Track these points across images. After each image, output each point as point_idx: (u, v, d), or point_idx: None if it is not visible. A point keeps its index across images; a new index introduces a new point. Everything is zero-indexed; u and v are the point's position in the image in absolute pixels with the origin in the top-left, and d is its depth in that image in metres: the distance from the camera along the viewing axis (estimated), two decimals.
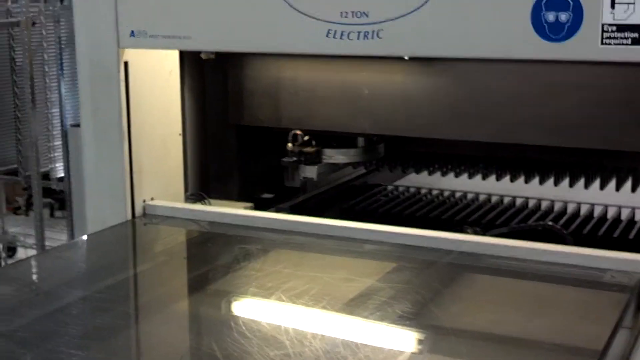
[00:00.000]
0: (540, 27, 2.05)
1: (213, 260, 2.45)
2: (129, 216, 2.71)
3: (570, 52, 2.02)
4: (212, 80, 3.14)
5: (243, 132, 3.20)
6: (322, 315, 1.99)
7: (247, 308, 2.10)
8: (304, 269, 2.35)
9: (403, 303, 2.01)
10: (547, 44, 2.05)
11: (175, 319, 2.07)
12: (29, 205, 7.31)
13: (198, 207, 2.87)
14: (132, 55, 2.64)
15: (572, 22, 2.01)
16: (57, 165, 6.10)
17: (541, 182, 3.11)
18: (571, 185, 3.08)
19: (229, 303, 2.09)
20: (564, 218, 3.07)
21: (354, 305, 2.03)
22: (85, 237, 2.68)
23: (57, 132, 6.02)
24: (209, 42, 2.52)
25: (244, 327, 1.87)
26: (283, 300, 2.05)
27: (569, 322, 1.99)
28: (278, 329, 1.87)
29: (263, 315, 2.01)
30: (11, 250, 6.98)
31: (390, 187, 3.59)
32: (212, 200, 2.97)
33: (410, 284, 2.16)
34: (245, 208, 2.94)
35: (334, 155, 3.10)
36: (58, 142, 6.03)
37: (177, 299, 2.22)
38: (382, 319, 1.94)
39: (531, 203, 3.29)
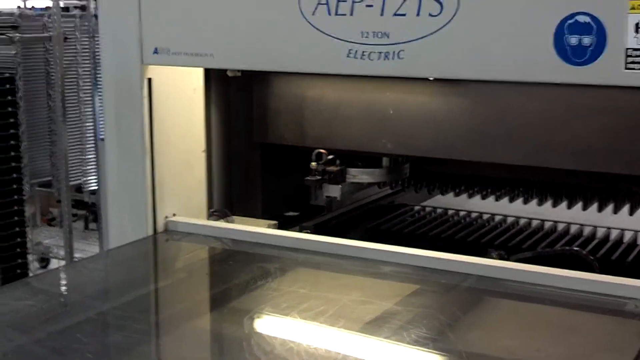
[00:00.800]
0: (563, 51, 2.01)
1: (231, 279, 2.44)
2: (151, 232, 2.72)
3: (593, 77, 1.98)
4: (238, 97, 3.14)
5: (267, 149, 3.20)
6: (337, 338, 1.96)
7: (261, 328, 2.09)
8: (320, 290, 2.33)
9: (420, 327, 1.98)
10: (570, 68, 2.01)
11: (189, 339, 2.06)
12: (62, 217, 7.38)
13: (219, 224, 2.86)
14: (155, 72, 2.65)
15: (595, 46, 1.97)
16: (90, 178, 6.16)
17: (569, 206, 3.05)
18: (600, 210, 3.02)
19: (243, 322, 2.08)
20: (593, 243, 3.01)
21: (370, 329, 2.00)
22: (106, 252, 2.69)
23: (90, 145, 6.09)
24: (231, 61, 2.52)
25: (255, 348, 1.86)
26: (298, 321, 2.04)
27: (589, 350, 1.94)
28: (291, 351, 1.85)
29: (277, 336, 1.99)
30: (44, 261, 7.05)
31: (417, 208, 3.56)
32: (236, 217, 2.97)
33: (428, 308, 2.13)
34: (269, 226, 2.93)
35: (358, 175, 3.07)
36: (91, 155, 6.09)
37: (192, 317, 2.21)
38: (397, 343, 1.91)
39: (560, 227, 3.23)
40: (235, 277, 2.43)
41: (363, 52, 2.23)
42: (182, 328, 2.13)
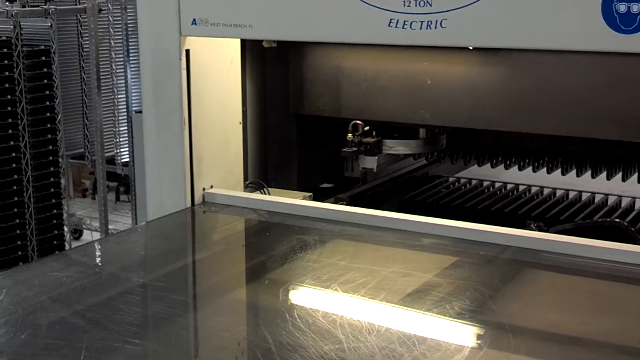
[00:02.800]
0: (611, 18, 1.97)
1: (270, 250, 2.44)
2: (189, 204, 2.73)
3: None
4: (273, 69, 3.13)
5: (303, 121, 3.19)
6: (379, 310, 1.96)
7: (302, 300, 2.09)
8: (360, 262, 2.33)
9: (461, 300, 1.97)
10: (618, 36, 1.97)
11: (231, 310, 2.07)
12: (95, 188, 7.44)
13: (256, 196, 2.86)
14: (193, 43, 2.64)
15: None
16: (122, 150, 6.20)
17: (609, 177, 3.02)
18: (639, 181, 2.98)
19: (285, 295, 2.08)
20: (632, 214, 2.98)
21: (411, 301, 1.99)
22: (144, 224, 2.70)
23: (122, 117, 6.12)
24: (270, 31, 2.50)
25: (299, 320, 1.86)
26: (339, 293, 2.03)
27: (631, 322, 1.92)
28: (333, 323, 1.85)
29: (319, 308, 1.99)
30: (77, 233, 7.13)
31: (451, 179, 3.54)
32: (271, 189, 2.97)
33: (469, 280, 2.12)
34: (304, 198, 2.93)
35: (395, 146, 3.06)
36: (124, 128, 6.12)
37: (233, 288, 2.23)
38: (439, 315, 1.90)
39: (597, 198, 3.20)
40: (274, 249, 2.43)
41: (405, 21, 2.20)
42: (223, 299, 2.14)
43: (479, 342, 1.82)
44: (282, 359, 1.68)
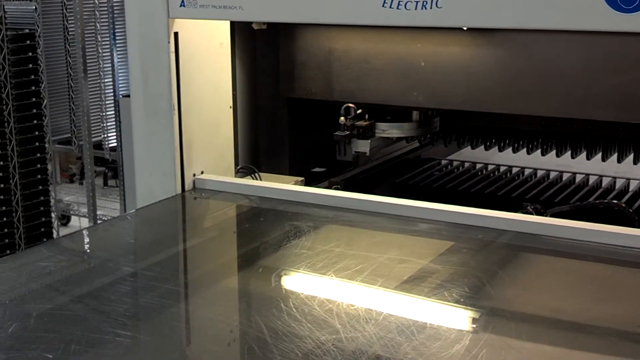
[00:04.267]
0: None
1: (263, 237, 2.39)
2: (179, 190, 2.68)
3: None
4: (264, 52, 3.07)
5: (294, 105, 3.13)
6: (376, 298, 1.92)
7: (297, 288, 2.05)
8: (356, 248, 2.29)
9: (460, 286, 1.93)
10: (619, 15, 1.92)
11: (224, 299, 2.03)
12: (82, 173, 7.37)
13: (248, 181, 2.82)
14: (182, 26, 2.58)
15: None
16: (109, 134, 6.13)
17: (604, 158, 2.98)
18: (635, 162, 2.95)
19: (279, 283, 2.04)
20: (627, 196, 2.95)
21: (409, 288, 1.96)
22: (134, 211, 2.65)
23: (109, 101, 6.04)
24: (261, 13, 2.44)
25: (294, 309, 1.82)
26: (335, 281, 1.99)
27: (632, 307, 1.89)
28: (330, 312, 1.81)
29: (315, 296, 1.95)
30: (65, 219, 7.06)
31: (444, 162, 3.50)
32: (262, 174, 2.92)
33: (466, 266, 2.08)
34: (296, 182, 2.89)
35: (388, 129, 3.01)
36: (111, 112, 6.05)
37: (226, 277, 2.18)
38: (437, 302, 1.86)
39: (592, 180, 3.17)
40: (267, 236, 2.39)
41: (399, 1, 2.14)
42: (216, 289, 2.10)
43: (479, 329, 1.78)
44: (278, 350, 1.64)
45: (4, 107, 4.94)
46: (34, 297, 1.95)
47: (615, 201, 2.72)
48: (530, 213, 2.59)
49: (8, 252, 5.02)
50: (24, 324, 1.79)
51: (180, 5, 2.49)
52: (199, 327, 1.89)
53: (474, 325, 1.81)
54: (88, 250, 2.40)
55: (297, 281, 2.08)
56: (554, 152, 3.07)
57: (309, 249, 2.22)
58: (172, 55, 2.57)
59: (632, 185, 3.08)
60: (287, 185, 2.74)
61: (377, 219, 2.45)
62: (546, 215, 2.61)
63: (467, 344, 1.66)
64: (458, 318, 1.84)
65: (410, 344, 1.66)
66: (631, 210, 2.62)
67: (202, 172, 2.75)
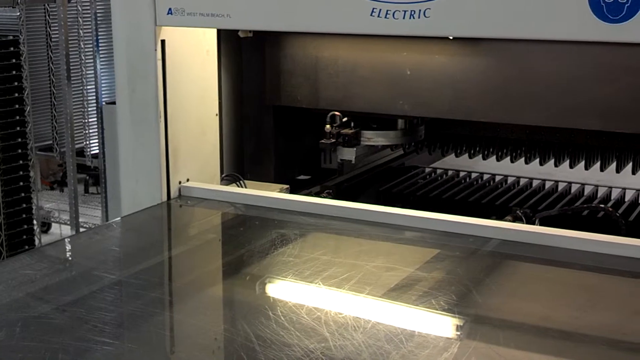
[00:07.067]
0: (598, 7, 1.94)
1: (250, 245, 2.39)
2: (165, 198, 2.67)
3: (630, 34, 1.91)
4: (249, 60, 3.07)
5: (280, 113, 3.13)
6: (364, 306, 1.92)
7: (285, 296, 2.04)
8: (343, 256, 2.29)
9: (447, 294, 1.94)
10: (605, 25, 1.94)
11: (211, 308, 2.03)
12: (64, 181, 7.33)
13: (234, 189, 2.81)
14: (169, 33, 2.58)
15: (632, 2, 1.90)
16: (91, 142, 6.09)
17: (587, 167, 3.01)
18: (618, 170, 2.98)
19: (267, 291, 2.04)
20: (609, 204, 2.98)
21: (397, 296, 1.96)
22: (119, 219, 2.64)
23: (92, 108, 6.01)
24: (248, 21, 2.44)
25: (282, 317, 1.81)
26: (323, 289, 1.99)
27: (620, 316, 1.91)
28: (318, 320, 1.81)
29: (303, 304, 1.94)
30: (45, 226, 7.01)
31: (428, 170, 3.52)
32: (247, 182, 2.92)
33: (453, 273, 2.09)
34: (281, 190, 2.88)
35: (373, 137, 3.02)
36: (93, 119, 6.02)
37: (212, 285, 2.17)
38: (425, 310, 1.87)
39: (574, 188, 3.20)
40: (254, 244, 2.38)
41: (387, 10, 2.15)
42: (203, 297, 2.09)
43: (467, 337, 1.79)
44: (266, 358, 1.64)
45: None
46: (20, 306, 1.94)
47: (601, 205, 2.75)
48: (520, 217, 2.61)
49: None
50: (9, 333, 1.78)
51: (168, 13, 2.48)
52: (185, 336, 1.88)
53: (462, 333, 1.82)
54: (74, 259, 2.38)
55: (284, 289, 2.07)
56: (537, 160, 3.09)
57: (296, 256, 2.22)
58: (159, 63, 2.56)
59: (614, 193, 3.11)
60: (272, 193, 2.74)
61: (363, 226, 2.45)
62: (535, 220, 2.63)
63: (455, 351, 1.67)
64: (446, 326, 1.85)
65: (399, 352, 1.66)
66: (618, 214, 2.65)
67: (187, 180, 2.74)
